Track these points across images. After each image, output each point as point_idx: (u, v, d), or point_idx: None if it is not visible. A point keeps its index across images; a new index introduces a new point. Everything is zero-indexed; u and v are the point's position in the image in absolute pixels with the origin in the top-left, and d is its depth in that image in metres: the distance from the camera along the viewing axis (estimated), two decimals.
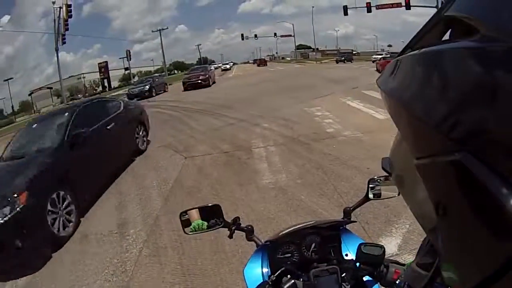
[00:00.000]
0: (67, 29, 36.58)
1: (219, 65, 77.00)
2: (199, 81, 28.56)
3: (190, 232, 1.65)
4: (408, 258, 3.59)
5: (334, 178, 5.63)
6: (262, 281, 1.49)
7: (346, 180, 5.51)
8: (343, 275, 1.40)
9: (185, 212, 1.66)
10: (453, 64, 0.41)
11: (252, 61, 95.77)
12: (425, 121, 0.42)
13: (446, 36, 0.51)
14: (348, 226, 1.74)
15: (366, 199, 1.74)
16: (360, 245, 1.34)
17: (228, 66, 69.28)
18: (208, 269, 3.89)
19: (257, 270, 1.57)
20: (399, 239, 3.86)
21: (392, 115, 0.56)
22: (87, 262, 4.52)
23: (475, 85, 0.35)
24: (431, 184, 0.46)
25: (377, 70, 25.16)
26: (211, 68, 37.72)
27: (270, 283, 1.40)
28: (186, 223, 1.66)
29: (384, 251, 1.31)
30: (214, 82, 30.77)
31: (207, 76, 29.56)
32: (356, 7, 52.16)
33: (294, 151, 7.38)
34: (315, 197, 5.06)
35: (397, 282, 1.26)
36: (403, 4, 42.21)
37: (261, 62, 69.75)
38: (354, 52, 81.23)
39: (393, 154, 0.68)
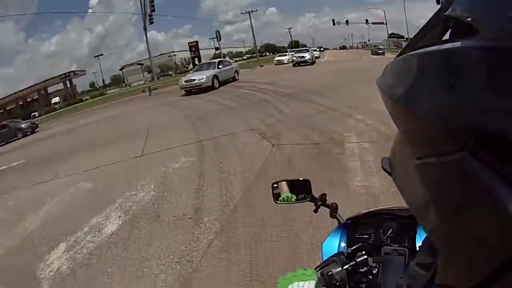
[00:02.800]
0: (153, 10, 38.51)
1: (289, 54, 47.48)
2: None
3: (279, 202, 1.76)
4: None
5: None
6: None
7: None
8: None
9: (277, 183, 1.77)
10: (453, 64, 0.41)
11: (338, 48, 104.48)
12: (425, 121, 0.42)
13: (446, 36, 0.50)
14: None
15: None
16: None
17: (307, 56, 36.54)
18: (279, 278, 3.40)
19: (334, 245, 1.63)
20: None
21: (392, 115, 0.56)
22: None
23: (475, 85, 0.35)
24: (431, 184, 0.46)
25: None
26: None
27: (345, 254, 1.46)
28: (276, 194, 1.76)
29: None
30: None
31: None
32: None
33: (389, 150, 6.48)
34: None
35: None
36: None
37: (343, 48, 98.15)
38: None
39: (393, 154, 0.69)
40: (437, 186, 0.44)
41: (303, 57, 36.63)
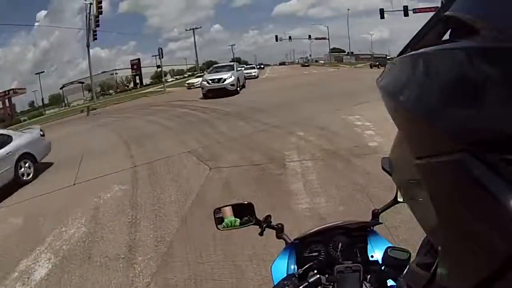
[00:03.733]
0: (97, 25, 37.61)
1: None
2: None
3: (223, 228, 1.73)
4: None
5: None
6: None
7: (397, 211, 4.52)
8: (368, 276, 1.43)
9: (219, 209, 1.73)
10: (453, 64, 0.41)
11: (278, 64, 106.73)
12: (425, 121, 0.42)
13: (446, 36, 0.51)
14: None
15: (394, 201, 1.74)
16: (387, 248, 1.40)
17: (228, 79, 21.96)
18: None
19: (284, 267, 1.62)
20: None
21: (392, 115, 0.55)
22: None
23: (475, 85, 0.35)
24: (431, 184, 0.46)
25: None
26: None
27: (297, 276, 1.45)
28: (219, 220, 1.72)
29: (410, 256, 1.34)
30: None
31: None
32: (393, 10, 51.87)
33: (333, 168, 6.45)
34: None
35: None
36: None
37: (282, 63, 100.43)
38: (388, 57, 79.67)
39: (393, 154, 0.68)
40: (437, 186, 0.44)
41: (220, 80, 22.14)
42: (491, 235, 0.33)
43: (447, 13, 0.49)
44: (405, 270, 1.14)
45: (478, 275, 0.35)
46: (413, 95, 0.47)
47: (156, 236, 4.79)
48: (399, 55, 0.60)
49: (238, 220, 1.71)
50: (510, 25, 0.33)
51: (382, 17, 45.47)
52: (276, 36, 76.70)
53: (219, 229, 1.73)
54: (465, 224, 0.38)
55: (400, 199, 1.72)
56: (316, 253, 1.61)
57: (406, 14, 44.64)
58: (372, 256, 1.62)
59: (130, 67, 63.89)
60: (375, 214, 1.77)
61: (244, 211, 1.72)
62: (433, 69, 0.45)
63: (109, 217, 5.80)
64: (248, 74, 31.09)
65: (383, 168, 0.76)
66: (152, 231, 4.96)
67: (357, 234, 1.68)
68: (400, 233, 4.00)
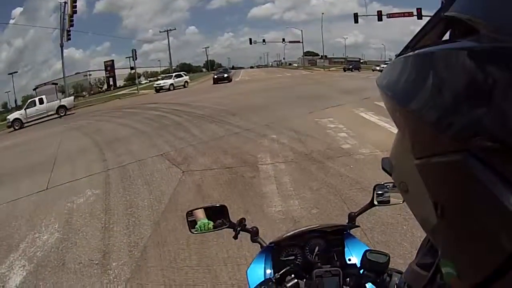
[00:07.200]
0: (71, 25, 36.62)
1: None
2: None
3: (196, 232, 1.68)
4: None
5: (355, 209, 4.68)
6: None
7: (370, 212, 4.58)
8: (346, 280, 1.40)
9: (191, 211, 1.69)
10: (453, 64, 0.42)
11: (249, 67, 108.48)
12: (425, 121, 0.43)
13: (446, 36, 0.52)
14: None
15: (371, 205, 1.75)
16: (365, 251, 1.38)
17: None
18: None
19: (260, 271, 1.59)
20: None
21: (392, 115, 0.56)
22: None
23: (475, 85, 0.36)
24: (431, 184, 0.46)
25: None
26: None
27: (274, 280, 1.42)
28: (192, 223, 1.67)
29: (388, 259, 1.34)
30: None
31: None
32: (367, 15, 52.39)
33: (307, 170, 6.47)
34: None
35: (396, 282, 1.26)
36: (415, 13, 41.76)
37: (251, 67, 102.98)
38: (361, 61, 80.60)
39: (394, 154, 0.66)
40: (437, 185, 0.44)
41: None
42: (491, 235, 0.33)
43: (447, 13, 0.49)
44: (405, 270, 1.25)
45: (479, 275, 0.36)
46: (413, 96, 0.47)
47: (130, 242, 4.67)
48: (399, 55, 0.59)
49: (211, 223, 1.65)
50: (510, 25, 0.34)
51: (356, 21, 45.82)
52: (250, 39, 76.45)
53: (192, 232, 1.67)
54: (466, 223, 0.38)
55: (376, 202, 1.73)
56: (292, 257, 1.59)
57: (380, 19, 44.98)
58: (349, 260, 1.60)
59: (104, 68, 62.45)
60: (352, 217, 1.74)
61: (217, 214, 1.66)
62: (433, 69, 0.45)
63: (82, 222, 5.62)
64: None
65: (383, 168, 0.75)
66: (125, 237, 4.83)
67: (334, 238, 1.65)
68: (375, 234, 4.05)
